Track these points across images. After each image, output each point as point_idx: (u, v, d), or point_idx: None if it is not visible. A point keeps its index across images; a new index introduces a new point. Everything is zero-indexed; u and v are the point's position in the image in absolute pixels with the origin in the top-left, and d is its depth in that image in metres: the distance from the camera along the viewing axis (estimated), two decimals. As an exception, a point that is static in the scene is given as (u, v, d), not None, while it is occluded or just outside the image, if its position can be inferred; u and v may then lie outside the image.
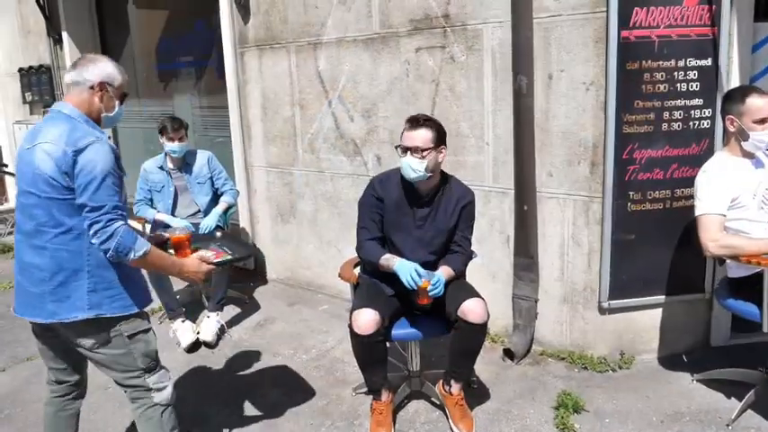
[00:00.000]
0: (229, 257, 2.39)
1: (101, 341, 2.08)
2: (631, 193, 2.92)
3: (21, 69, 6.57)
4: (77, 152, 1.93)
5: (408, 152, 2.53)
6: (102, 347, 2.09)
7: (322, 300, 4.23)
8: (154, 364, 2.22)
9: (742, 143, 2.57)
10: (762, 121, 2.50)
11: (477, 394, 2.91)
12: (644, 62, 2.83)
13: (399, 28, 3.48)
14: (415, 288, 2.46)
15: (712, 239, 2.50)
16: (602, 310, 3.07)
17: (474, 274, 3.33)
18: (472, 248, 2.85)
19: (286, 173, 4.30)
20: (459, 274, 2.69)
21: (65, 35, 5.90)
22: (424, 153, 2.51)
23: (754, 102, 2.50)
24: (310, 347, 3.55)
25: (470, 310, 2.47)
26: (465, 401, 2.69)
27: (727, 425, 2.58)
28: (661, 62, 2.84)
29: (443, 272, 2.58)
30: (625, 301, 3.04)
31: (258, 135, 4.42)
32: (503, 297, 3.35)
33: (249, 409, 2.94)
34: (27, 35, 6.52)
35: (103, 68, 2.12)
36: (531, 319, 3.24)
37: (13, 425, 2.90)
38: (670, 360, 3.11)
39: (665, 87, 2.86)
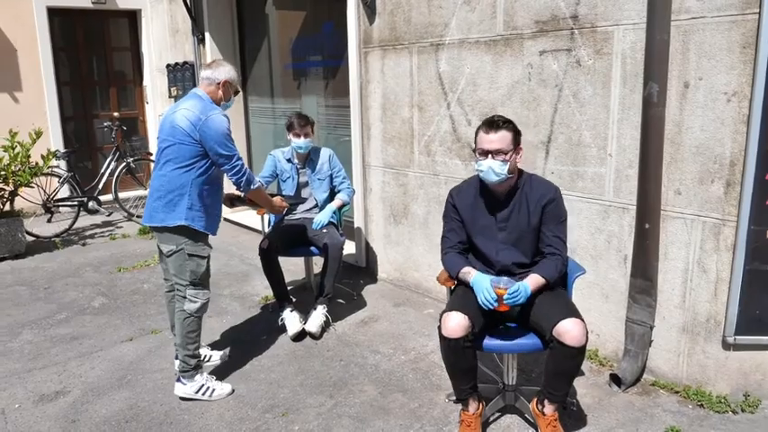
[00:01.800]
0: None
1: (173, 250, 2.98)
2: (772, 218, 2.62)
3: (168, 65, 7.17)
4: (207, 118, 2.89)
5: (489, 155, 2.49)
6: (171, 255, 2.99)
7: (428, 303, 4.21)
8: (198, 281, 3.04)
9: None
10: None
11: (575, 417, 2.76)
12: (800, 72, 2.52)
13: (524, 29, 3.37)
14: (490, 308, 2.42)
15: None
16: (726, 345, 2.78)
17: (585, 291, 3.18)
18: (582, 264, 2.70)
19: (401, 174, 4.33)
20: (553, 282, 2.56)
21: (207, 35, 6.36)
22: (506, 155, 2.48)
23: None
24: (410, 349, 3.55)
25: (566, 331, 2.33)
26: (559, 423, 2.55)
27: None
28: (821, 73, 2.51)
29: (531, 280, 2.49)
30: (755, 338, 2.72)
31: (377, 135, 4.49)
32: (614, 319, 3.14)
33: (343, 401, 3.00)
34: (175, 34, 7.11)
35: (229, 72, 3.07)
36: (644, 345, 3.00)
37: (133, 389, 3.18)
38: (806, 410, 2.76)
39: (823, 101, 2.53)
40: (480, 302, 2.44)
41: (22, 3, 6.93)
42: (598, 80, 3.08)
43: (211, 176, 3.03)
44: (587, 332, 2.37)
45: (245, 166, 3.05)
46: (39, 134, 5.57)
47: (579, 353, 2.37)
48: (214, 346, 3.63)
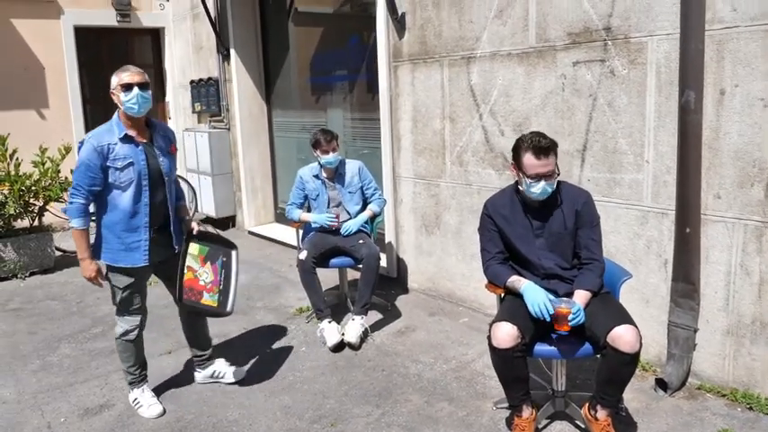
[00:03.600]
0: (202, 307, 3.13)
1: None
2: (815, 220, 2.66)
3: (192, 81, 7.30)
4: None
5: (543, 180, 2.57)
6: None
7: (462, 312, 4.26)
8: (118, 309, 3.05)
9: None
10: None
11: (625, 422, 2.79)
12: (837, 77, 2.57)
13: (556, 42, 3.44)
14: (546, 319, 2.46)
15: None
16: (773, 347, 2.82)
17: (625, 296, 3.20)
18: (627, 269, 2.75)
19: (433, 185, 4.39)
20: (598, 291, 2.61)
21: (232, 51, 6.48)
22: (555, 174, 2.59)
23: None
24: (450, 358, 3.59)
25: (620, 336, 2.38)
26: (612, 428, 2.58)
27: None
28: None
29: (580, 297, 2.56)
30: (802, 338, 2.76)
31: (407, 147, 4.55)
32: (656, 323, 3.18)
33: (390, 411, 3.04)
34: (199, 51, 7.25)
35: (112, 79, 2.87)
36: (688, 349, 3.03)
37: (177, 402, 3.23)
38: None
39: None
40: (533, 313, 2.50)
41: (51, 22, 7.09)
42: (633, 89, 3.14)
43: (104, 204, 2.92)
44: (641, 338, 2.42)
45: (79, 202, 2.84)
46: (68, 150, 5.67)
47: (633, 359, 2.42)
48: (251, 357, 3.69)
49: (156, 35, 7.95)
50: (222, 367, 3.42)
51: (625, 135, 3.21)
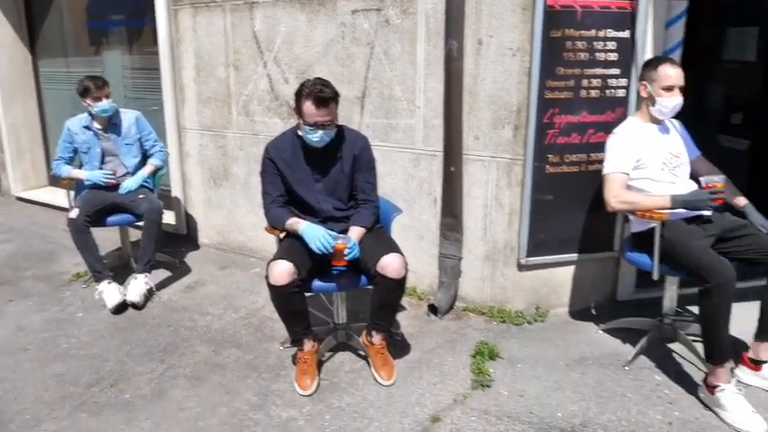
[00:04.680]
0: None
1: None
2: (550, 156, 3.08)
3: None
4: None
5: (322, 127, 2.62)
6: None
7: (254, 263, 4.25)
8: None
9: (650, 108, 2.76)
10: (669, 89, 2.69)
11: (400, 346, 3.03)
12: (567, 30, 2.97)
13: (335, -10, 3.51)
14: (326, 252, 2.55)
15: (614, 196, 2.70)
16: (520, 267, 3.24)
17: (402, 233, 3.45)
18: (397, 205, 2.95)
19: (219, 136, 4.27)
20: (372, 227, 2.78)
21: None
22: (334, 122, 2.67)
23: (665, 70, 2.69)
24: (240, 307, 3.58)
25: (388, 264, 2.55)
26: (387, 351, 2.79)
27: (624, 366, 2.82)
28: (582, 31, 2.99)
29: (355, 233, 2.69)
30: (541, 258, 3.21)
31: (192, 97, 4.36)
32: (428, 256, 3.47)
33: (176, 364, 2.96)
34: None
35: None
36: (455, 276, 3.37)
37: None
38: (580, 313, 3.33)
39: (585, 56, 3.01)
40: (316, 249, 2.56)
41: None
42: (406, 38, 3.34)
43: None
44: (407, 265, 2.62)
45: None
46: None
47: (400, 284, 2.61)
48: (19, 330, 3.34)
49: None
50: None
51: (399, 82, 3.40)
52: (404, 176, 3.49)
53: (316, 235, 2.58)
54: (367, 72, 3.49)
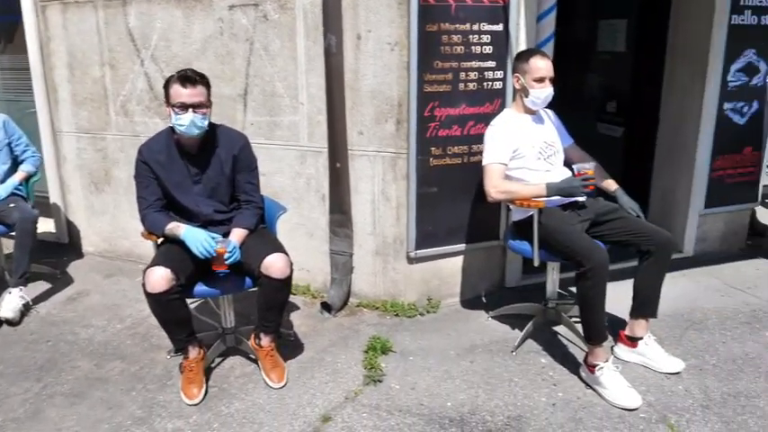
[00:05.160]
0: None
1: None
2: (433, 148, 3.13)
3: None
4: None
5: (190, 109, 2.51)
6: None
7: (142, 270, 4.04)
8: None
9: (524, 99, 2.85)
10: (540, 81, 2.78)
11: (293, 346, 2.99)
12: (442, 24, 3.01)
13: (211, -16, 3.40)
14: (208, 256, 2.47)
15: (493, 186, 2.78)
16: (410, 260, 3.27)
17: (292, 231, 3.41)
18: (286, 206, 2.90)
19: (98, 138, 4.04)
20: (255, 229, 2.71)
21: None
22: (206, 109, 2.55)
23: (536, 63, 2.78)
24: (126, 317, 3.41)
25: (272, 264, 2.50)
26: (276, 352, 2.75)
27: (512, 351, 2.91)
28: (457, 25, 3.04)
29: (236, 235, 2.62)
30: (430, 250, 3.26)
31: (66, 98, 4.10)
32: (320, 254, 3.44)
33: (54, 382, 2.78)
34: None
35: None
36: (347, 272, 3.36)
37: None
38: (471, 302, 3.42)
39: (461, 49, 3.07)
40: (198, 253, 2.47)
41: None
42: (285, 33, 3.28)
43: None
44: (291, 264, 2.57)
45: None
46: None
47: (285, 284, 2.56)
48: None
49: None
50: None
51: (281, 78, 3.34)
52: (291, 174, 3.44)
53: (197, 239, 2.49)
54: (248, 69, 3.40)
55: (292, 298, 3.47)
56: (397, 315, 3.28)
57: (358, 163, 3.24)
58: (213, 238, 2.53)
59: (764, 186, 4.38)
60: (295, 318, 3.29)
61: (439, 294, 3.37)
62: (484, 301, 3.39)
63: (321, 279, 3.49)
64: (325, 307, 3.30)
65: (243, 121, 3.47)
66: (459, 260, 3.36)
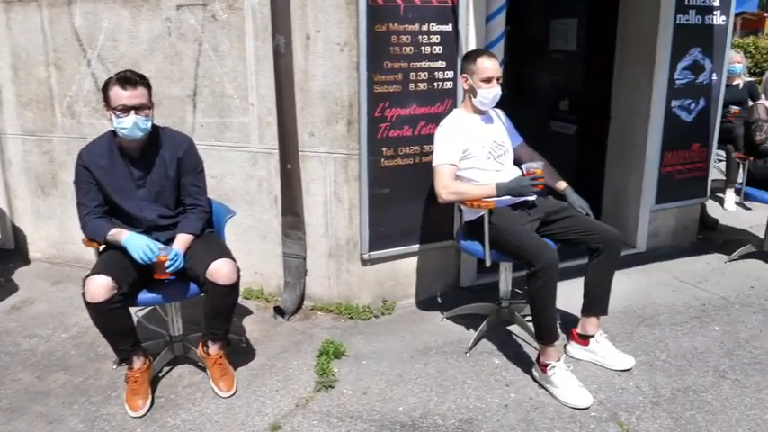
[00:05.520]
0: None
1: None
2: (384, 149, 3.10)
3: None
4: None
5: (132, 111, 2.43)
6: None
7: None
8: None
9: (473, 100, 2.85)
10: (487, 81, 2.78)
11: (244, 353, 2.93)
12: (391, 25, 2.99)
13: (159, -17, 3.31)
14: (149, 263, 2.41)
15: (444, 187, 2.76)
16: (364, 262, 3.24)
17: (244, 235, 3.36)
18: (238, 209, 2.84)
19: (44, 140, 3.92)
20: (201, 234, 2.65)
21: None
22: (149, 111, 2.48)
23: (483, 63, 2.77)
24: (72, 325, 3.30)
25: (217, 270, 2.44)
26: (225, 360, 2.68)
27: (466, 352, 2.90)
28: (407, 26, 3.03)
29: (180, 241, 2.55)
30: (384, 251, 3.24)
31: (10, 99, 3.96)
32: (273, 257, 3.39)
33: (-9, 397, 2.67)
34: None
35: None
36: (300, 275, 3.31)
37: None
38: (426, 303, 3.40)
39: (410, 50, 3.05)
40: (140, 259, 2.40)
41: None
42: (233, 34, 3.21)
43: None
44: (238, 269, 2.52)
45: None
46: None
47: (231, 290, 2.50)
48: None
49: None
50: None
51: (230, 79, 3.28)
52: (242, 176, 3.38)
53: (138, 245, 2.42)
54: (197, 69, 3.33)
55: (245, 302, 3.42)
56: (351, 318, 3.25)
57: (309, 164, 3.20)
58: (156, 244, 2.46)
59: (713, 181, 4.47)
60: (247, 323, 3.23)
61: (394, 296, 3.35)
62: (439, 301, 3.38)
63: (275, 283, 3.44)
64: (279, 311, 3.24)
65: (192, 122, 3.39)
66: (414, 261, 3.35)
